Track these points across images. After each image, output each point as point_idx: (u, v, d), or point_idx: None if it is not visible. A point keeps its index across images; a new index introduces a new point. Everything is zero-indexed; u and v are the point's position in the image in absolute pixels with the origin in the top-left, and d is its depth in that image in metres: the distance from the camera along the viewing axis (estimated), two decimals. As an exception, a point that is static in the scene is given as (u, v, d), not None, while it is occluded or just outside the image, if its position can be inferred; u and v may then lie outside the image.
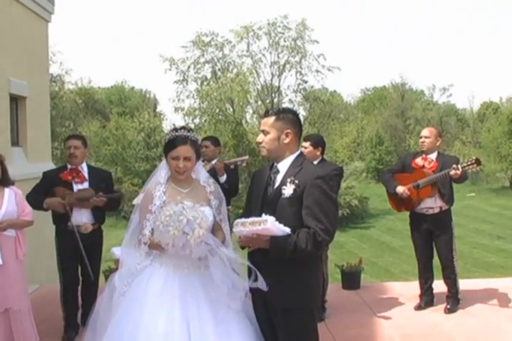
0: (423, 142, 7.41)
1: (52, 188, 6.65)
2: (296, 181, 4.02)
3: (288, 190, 4.03)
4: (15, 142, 10.96)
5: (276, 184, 4.15)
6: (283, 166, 4.19)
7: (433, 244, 7.50)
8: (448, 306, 7.37)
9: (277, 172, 4.20)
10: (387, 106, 58.89)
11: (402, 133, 54.78)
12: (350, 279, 8.64)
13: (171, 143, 4.35)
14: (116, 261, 5.56)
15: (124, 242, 4.54)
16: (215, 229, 4.46)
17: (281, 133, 4.14)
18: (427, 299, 7.55)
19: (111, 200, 6.80)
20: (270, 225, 3.82)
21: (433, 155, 7.39)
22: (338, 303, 7.73)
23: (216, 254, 4.17)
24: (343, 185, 36.90)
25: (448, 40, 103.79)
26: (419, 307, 7.49)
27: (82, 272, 6.91)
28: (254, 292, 4.23)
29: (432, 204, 7.33)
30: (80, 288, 6.93)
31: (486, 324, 6.92)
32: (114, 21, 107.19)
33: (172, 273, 4.27)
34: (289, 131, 4.15)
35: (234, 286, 4.20)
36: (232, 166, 7.62)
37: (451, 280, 7.43)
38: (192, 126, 37.23)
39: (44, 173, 6.95)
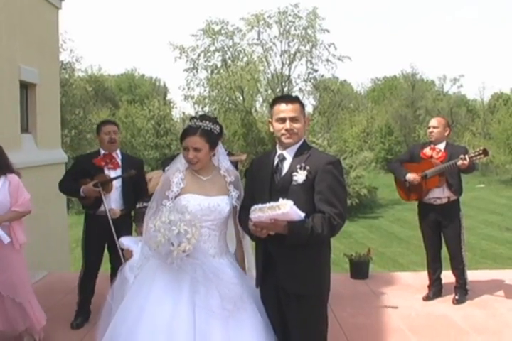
0: (431, 132, 7.38)
1: (85, 174, 6.57)
2: (308, 167, 4.03)
3: (300, 177, 4.03)
4: (25, 129, 10.96)
5: (284, 171, 4.15)
6: (289, 153, 4.19)
7: (441, 234, 7.47)
8: (456, 297, 7.36)
9: (284, 159, 4.19)
10: (397, 96, 58.75)
11: (411, 124, 54.69)
12: (359, 269, 8.64)
13: (183, 134, 4.33)
14: (126, 251, 5.55)
15: (143, 234, 4.48)
16: (233, 220, 4.48)
17: (305, 120, 4.21)
18: (435, 289, 7.54)
19: (133, 182, 6.71)
20: (289, 209, 3.79)
21: (441, 146, 7.36)
22: (346, 293, 7.74)
23: (200, 269, 4.17)
24: (352, 174, 36.91)
25: (459, 31, 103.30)
26: (427, 298, 7.49)
27: (111, 259, 6.89)
28: (265, 278, 4.24)
29: (439, 195, 7.30)
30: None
31: (493, 315, 6.91)
32: (124, 9, 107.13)
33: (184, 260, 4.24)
34: (308, 117, 4.20)
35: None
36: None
37: (459, 270, 7.42)
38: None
39: (77, 158, 6.98)
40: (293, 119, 4.14)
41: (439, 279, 7.59)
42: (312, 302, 4.09)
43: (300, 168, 4.04)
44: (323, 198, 3.97)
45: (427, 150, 7.40)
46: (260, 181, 4.26)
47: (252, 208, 3.94)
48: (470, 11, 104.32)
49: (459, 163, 6.91)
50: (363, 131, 56.15)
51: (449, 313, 6.99)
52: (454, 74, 70.22)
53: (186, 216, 4.09)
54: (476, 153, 6.93)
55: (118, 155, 6.80)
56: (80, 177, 6.60)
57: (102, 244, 6.71)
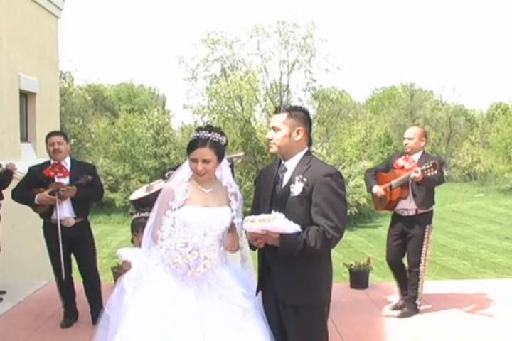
0: (407, 144, 7.26)
1: (36, 184, 6.78)
2: (305, 179, 3.99)
3: (297, 188, 3.99)
4: (24, 138, 10.99)
5: (285, 182, 4.12)
6: (291, 164, 4.16)
7: (406, 245, 7.39)
8: (404, 310, 7.24)
9: (285, 170, 4.17)
10: (396, 106, 58.87)
11: (410, 133, 54.73)
12: (358, 278, 8.62)
13: (191, 145, 4.29)
14: (124, 263, 5.55)
15: (143, 245, 4.45)
16: (230, 232, 4.43)
17: (292, 131, 4.11)
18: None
19: (86, 187, 6.83)
20: (279, 222, 3.80)
21: (416, 156, 7.24)
22: (346, 302, 7.71)
23: (206, 284, 4.19)
24: (350, 183, 36.94)
25: (458, 40, 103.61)
26: (395, 308, 7.40)
27: (80, 269, 7.07)
28: (265, 289, 4.23)
29: (406, 206, 7.21)
30: (82, 284, 7.07)
31: (497, 325, 6.86)
32: (123, 19, 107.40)
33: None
34: (300, 128, 4.13)
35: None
36: (228, 163, 7.57)
37: (413, 284, 7.27)
38: (201, 123, 37.26)
39: (29, 168, 7.07)
40: (274, 129, 4.16)
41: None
42: (309, 314, 4.06)
43: (298, 180, 4.01)
44: (319, 211, 3.93)
45: (400, 160, 7.30)
46: (264, 192, 4.25)
47: (245, 219, 3.96)
48: (468, 21, 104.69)
49: (412, 175, 6.84)
50: (362, 141, 56.17)
51: (448, 323, 6.96)
52: (453, 84, 70.24)
53: (208, 240, 4.10)
54: (427, 166, 6.80)
55: (67, 163, 6.94)
56: (32, 186, 6.81)
57: (64, 251, 6.79)
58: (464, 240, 29.11)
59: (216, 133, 4.29)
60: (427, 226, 7.24)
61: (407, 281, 7.42)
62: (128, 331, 4.11)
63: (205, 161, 4.23)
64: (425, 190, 7.12)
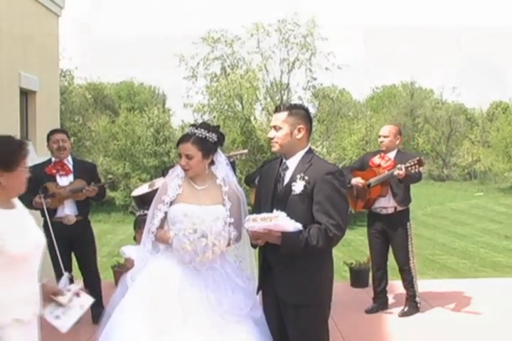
0: (382, 142, 7.27)
1: (39, 183, 6.65)
2: (306, 177, 4.01)
3: (298, 187, 4.01)
4: (24, 136, 10.97)
5: (286, 180, 4.14)
6: (292, 162, 4.17)
7: (389, 245, 7.37)
8: (404, 309, 7.26)
9: (286, 168, 4.19)
10: (396, 105, 58.81)
11: (410, 132, 54.74)
12: (359, 277, 8.62)
13: (178, 140, 4.40)
14: (127, 260, 5.55)
15: (143, 237, 4.49)
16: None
17: (293, 129, 4.13)
18: (380, 302, 7.44)
19: (99, 189, 6.90)
20: (281, 221, 3.81)
21: (392, 154, 7.23)
22: (346, 301, 7.70)
23: (211, 276, 4.21)
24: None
25: (459, 39, 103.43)
26: (371, 310, 7.36)
27: (80, 267, 7.11)
28: (266, 288, 4.24)
29: (385, 204, 7.19)
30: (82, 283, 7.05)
31: (497, 324, 6.87)
32: (123, 17, 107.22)
33: (176, 266, 4.24)
34: (301, 126, 4.14)
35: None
36: (231, 159, 7.58)
37: (407, 282, 7.28)
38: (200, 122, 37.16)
39: (29, 168, 7.00)
40: (275, 128, 4.18)
41: (384, 291, 7.47)
42: (310, 313, 4.06)
43: (299, 178, 4.03)
44: (320, 209, 3.95)
45: (376, 159, 7.29)
46: (265, 190, 4.27)
47: (246, 218, 3.98)
48: (468, 20, 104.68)
49: (395, 173, 6.81)
50: (362, 139, 55.96)
51: (448, 322, 6.98)
52: (453, 83, 70.28)
53: (218, 225, 4.12)
54: (412, 163, 6.76)
55: (69, 161, 6.98)
56: (34, 186, 6.55)
57: (64, 249, 6.76)
58: (463, 239, 29.08)
59: (203, 130, 4.33)
60: (407, 224, 7.25)
61: (385, 284, 7.45)
62: (117, 317, 4.21)
63: (187, 156, 4.28)
64: (404, 187, 7.11)
